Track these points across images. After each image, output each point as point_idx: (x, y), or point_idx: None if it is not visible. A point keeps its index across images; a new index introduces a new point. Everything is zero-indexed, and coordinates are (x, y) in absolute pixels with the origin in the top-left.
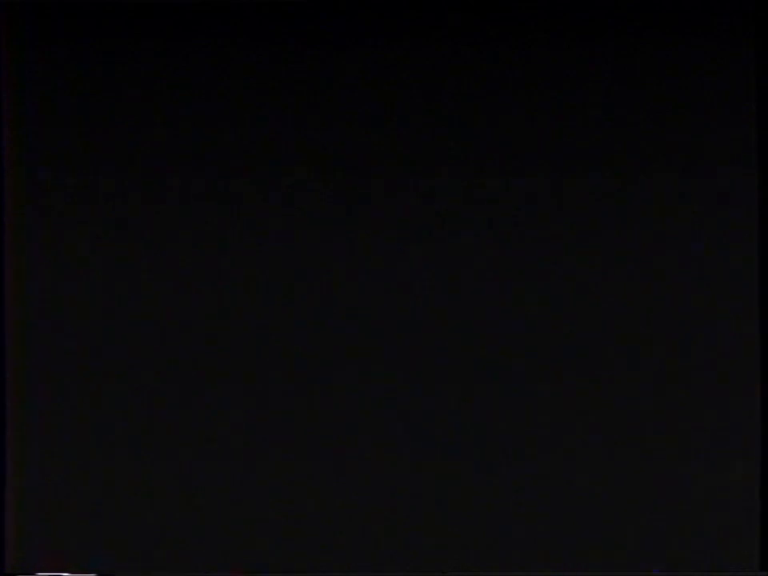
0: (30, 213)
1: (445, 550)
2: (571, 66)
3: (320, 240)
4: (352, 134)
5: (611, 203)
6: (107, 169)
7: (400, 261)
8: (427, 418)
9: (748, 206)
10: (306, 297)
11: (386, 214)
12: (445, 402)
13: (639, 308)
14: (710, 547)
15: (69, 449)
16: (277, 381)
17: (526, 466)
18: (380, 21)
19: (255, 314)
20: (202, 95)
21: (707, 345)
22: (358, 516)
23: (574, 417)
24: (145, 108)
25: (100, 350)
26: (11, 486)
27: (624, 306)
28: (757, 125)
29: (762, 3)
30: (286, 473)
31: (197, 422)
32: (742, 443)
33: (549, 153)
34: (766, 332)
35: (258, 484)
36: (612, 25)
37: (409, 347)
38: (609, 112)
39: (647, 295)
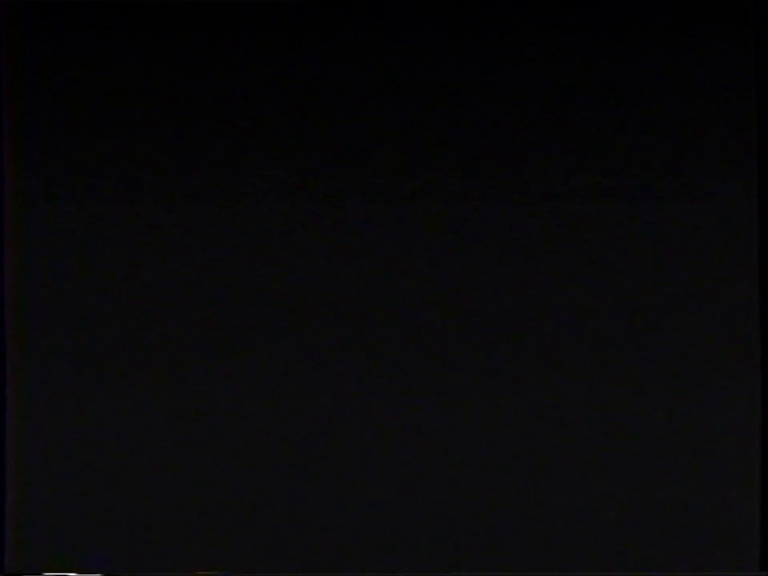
0: (30, 212)
1: (446, 550)
2: (568, 68)
3: (318, 240)
4: (350, 135)
5: (611, 209)
6: (107, 169)
7: (397, 260)
8: (428, 418)
9: (749, 213)
10: (305, 297)
11: (384, 214)
12: (446, 402)
13: (640, 312)
14: (710, 547)
15: (69, 449)
16: (276, 381)
17: (527, 466)
18: (377, 21)
19: (254, 314)
20: (203, 95)
21: (707, 346)
22: (358, 516)
23: (574, 418)
24: (145, 108)
25: (100, 351)
26: (11, 486)
27: (625, 310)
28: (757, 128)
29: (763, 3)
30: (287, 474)
31: (197, 422)
32: (742, 443)
33: (548, 162)
34: (766, 333)
35: (259, 484)
36: (612, 33)
37: (410, 347)
38: (607, 120)
39: (648, 298)
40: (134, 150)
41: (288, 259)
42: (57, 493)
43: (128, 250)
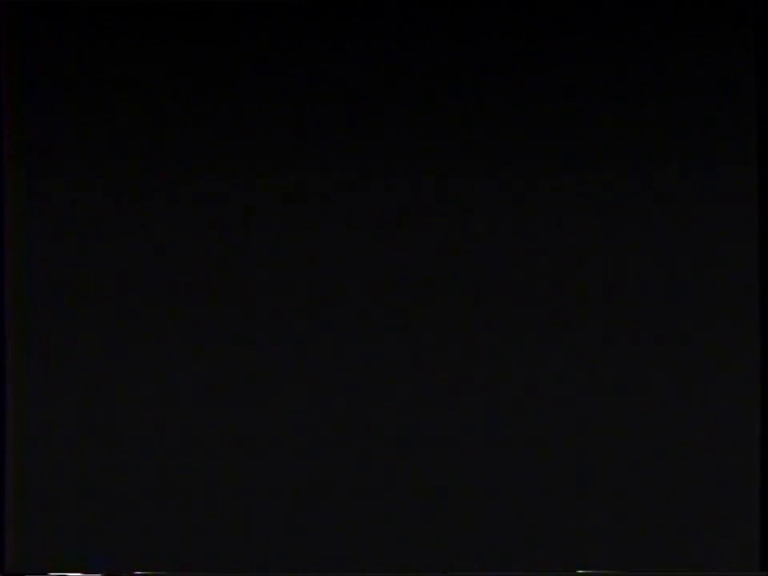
0: (30, 211)
1: (446, 550)
2: (570, 67)
3: (319, 239)
4: (349, 134)
5: (611, 201)
6: (107, 168)
7: (398, 257)
8: (428, 417)
9: (748, 205)
10: (305, 294)
11: (384, 212)
12: (446, 402)
13: (640, 308)
14: (710, 547)
15: (69, 448)
16: (276, 381)
17: (527, 466)
18: (377, 21)
19: (254, 314)
20: (202, 96)
21: (707, 345)
22: (358, 516)
23: (574, 417)
24: (145, 107)
25: (100, 351)
26: (11, 486)
27: (624, 306)
28: (757, 122)
29: (762, 3)
30: (286, 474)
31: (197, 421)
32: (742, 443)
33: (549, 152)
34: (766, 332)
35: (259, 484)
36: (612, 26)
37: (411, 346)
38: (609, 112)
39: (647, 295)
40: (134, 148)
41: (289, 259)
42: (57, 493)
43: (128, 248)
